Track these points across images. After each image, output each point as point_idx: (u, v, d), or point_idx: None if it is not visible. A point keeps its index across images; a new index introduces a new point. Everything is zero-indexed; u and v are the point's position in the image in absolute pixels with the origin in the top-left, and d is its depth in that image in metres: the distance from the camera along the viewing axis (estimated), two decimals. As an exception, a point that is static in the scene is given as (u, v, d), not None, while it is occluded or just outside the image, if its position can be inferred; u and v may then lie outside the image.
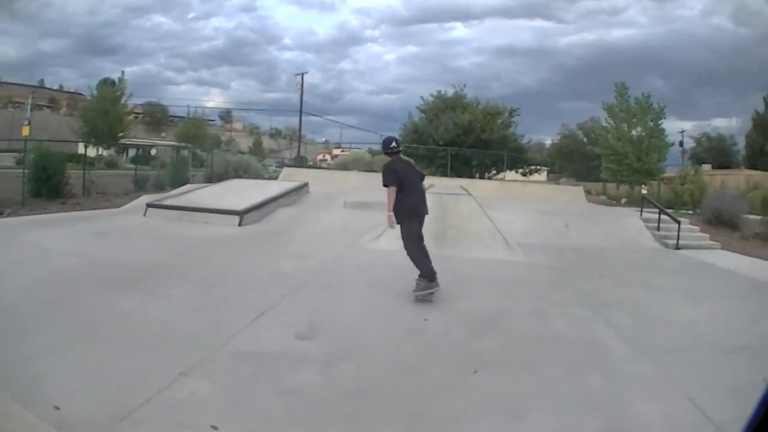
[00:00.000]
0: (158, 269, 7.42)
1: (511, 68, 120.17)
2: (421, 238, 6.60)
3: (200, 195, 14.49)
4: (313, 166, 48.84)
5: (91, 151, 21.83)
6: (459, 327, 5.62)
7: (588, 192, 27.55)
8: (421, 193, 6.68)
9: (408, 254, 6.54)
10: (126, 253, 8.61)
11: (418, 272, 6.53)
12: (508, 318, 6.05)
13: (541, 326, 5.80)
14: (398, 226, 6.54)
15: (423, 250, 6.57)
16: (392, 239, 8.59)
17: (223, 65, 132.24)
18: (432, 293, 6.46)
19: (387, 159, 6.70)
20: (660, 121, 24.10)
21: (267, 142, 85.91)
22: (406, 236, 6.51)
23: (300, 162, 48.01)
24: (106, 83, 22.14)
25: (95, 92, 20.99)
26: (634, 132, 24.19)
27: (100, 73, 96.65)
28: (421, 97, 37.48)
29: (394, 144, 6.71)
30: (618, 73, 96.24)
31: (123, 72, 63.93)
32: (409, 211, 6.43)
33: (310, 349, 4.77)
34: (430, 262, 6.53)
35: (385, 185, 6.39)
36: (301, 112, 52.99)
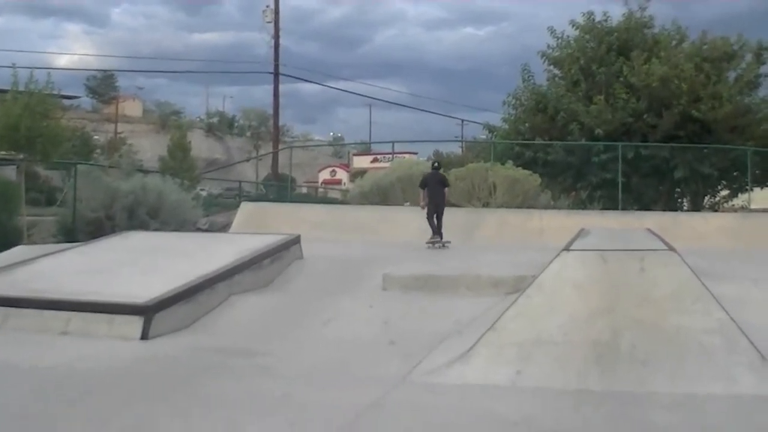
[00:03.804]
0: None
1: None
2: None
3: (50, 269, 7.43)
4: (311, 197, 30.28)
5: None
6: None
7: None
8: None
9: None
10: None
11: None
12: None
13: None
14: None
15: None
16: (499, 357, 4.63)
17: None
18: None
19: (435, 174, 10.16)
20: None
21: (201, 144, 45.49)
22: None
23: (280, 189, 25.45)
24: None
25: None
26: None
27: None
28: (551, 30, 18.87)
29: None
30: None
31: None
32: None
33: None
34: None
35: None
36: (276, 72, 26.58)
